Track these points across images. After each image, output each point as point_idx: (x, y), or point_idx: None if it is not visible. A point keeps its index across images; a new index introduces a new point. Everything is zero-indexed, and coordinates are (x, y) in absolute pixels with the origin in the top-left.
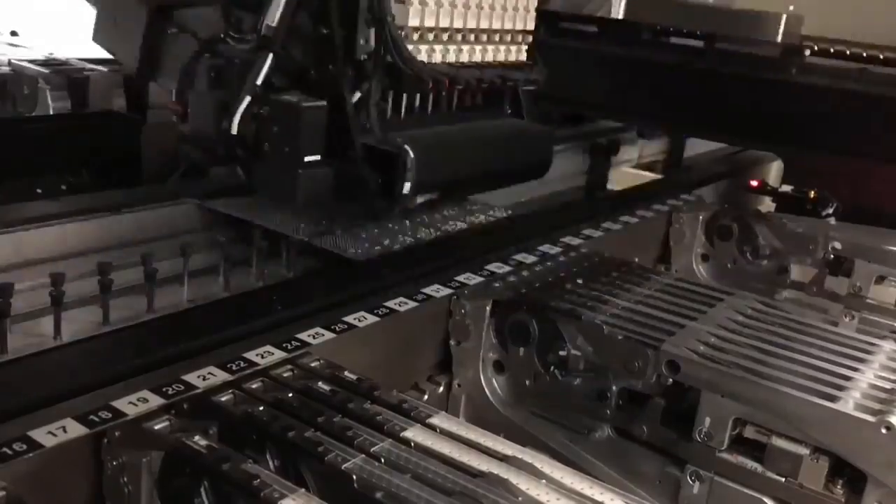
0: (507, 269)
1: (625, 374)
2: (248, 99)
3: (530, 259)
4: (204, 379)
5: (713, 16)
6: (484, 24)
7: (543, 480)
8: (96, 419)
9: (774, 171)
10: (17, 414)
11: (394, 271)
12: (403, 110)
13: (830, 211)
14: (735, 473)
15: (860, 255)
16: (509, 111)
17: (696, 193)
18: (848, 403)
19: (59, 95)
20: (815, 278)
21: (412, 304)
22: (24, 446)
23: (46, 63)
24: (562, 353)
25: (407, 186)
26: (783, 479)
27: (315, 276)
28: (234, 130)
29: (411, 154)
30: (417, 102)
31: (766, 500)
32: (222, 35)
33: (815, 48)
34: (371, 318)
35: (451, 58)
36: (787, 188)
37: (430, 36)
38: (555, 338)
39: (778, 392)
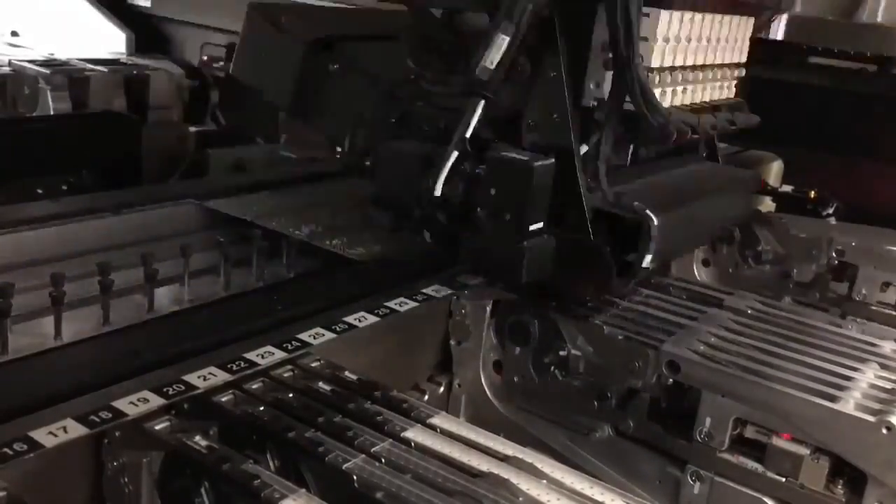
0: None
1: (625, 374)
2: (455, 154)
3: None
4: (204, 379)
5: None
6: (709, 59)
7: (544, 480)
8: (97, 419)
9: (774, 171)
10: (17, 414)
11: (394, 271)
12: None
13: (831, 211)
14: (735, 473)
15: (864, 261)
16: (705, 154)
17: None
18: (848, 403)
19: (59, 96)
20: (818, 284)
21: (412, 304)
22: (25, 446)
23: (47, 63)
24: (562, 353)
25: (648, 259)
26: (784, 480)
27: (315, 276)
28: (438, 192)
29: (655, 221)
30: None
31: (766, 500)
32: (411, 77)
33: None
34: (371, 318)
35: (678, 101)
36: (787, 188)
37: (668, 77)
38: (555, 338)
39: (778, 392)
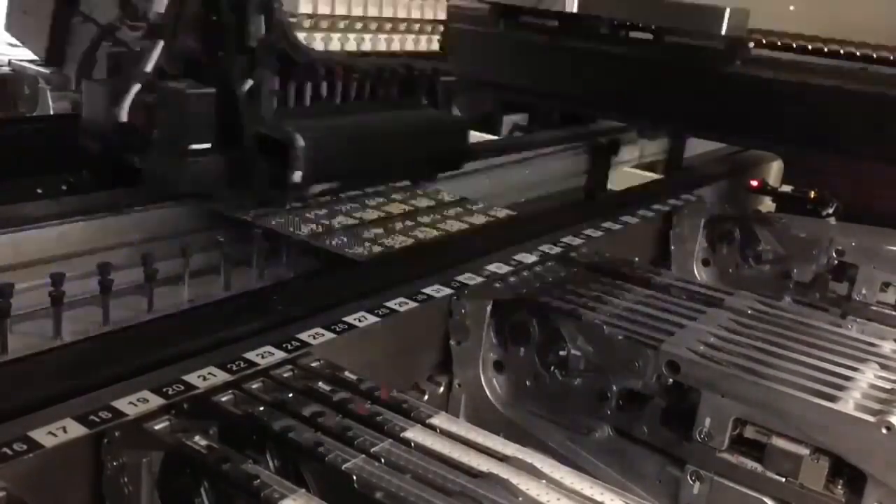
0: (507, 269)
1: (625, 374)
2: (137, 86)
3: (531, 259)
4: (204, 379)
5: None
6: (387, 13)
7: (543, 480)
8: (96, 419)
9: (774, 171)
10: (17, 414)
11: (394, 271)
12: (307, 101)
13: (831, 211)
14: (735, 473)
15: (864, 261)
16: (426, 102)
17: (696, 193)
18: (848, 403)
19: (59, 96)
20: (818, 284)
21: (412, 304)
22: (25, 446)
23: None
24: (562, 353)
25: (297, 175)
26: (783, 480)
27: (315, 276)
28: (124, 118)
29: (300, 142)
30: (325, 93)
31: (766, 500)
32: (119, 23)
33: (825, 49)
34: (371, 318)
35: (352, 47)
36: (787, 188)
37: (325, 24)
38: (555, 338)
39: (778, 392)
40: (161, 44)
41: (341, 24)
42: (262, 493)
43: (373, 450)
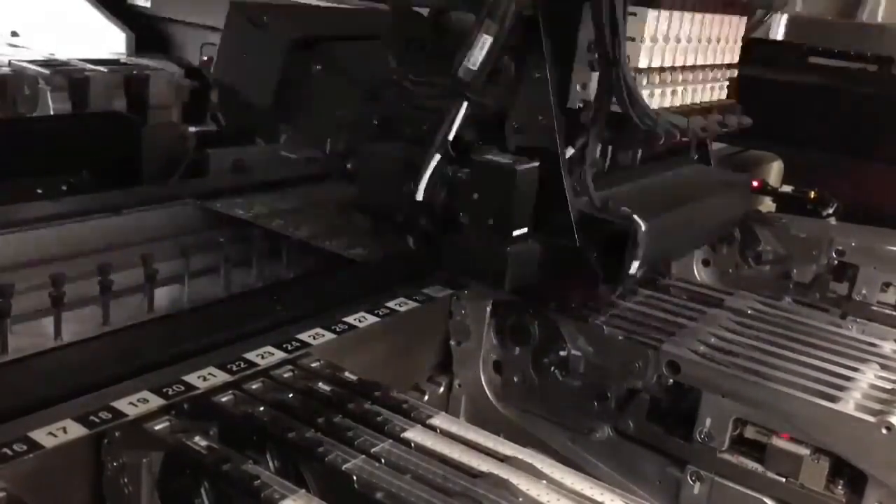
0: None
1: (625, 374)
2: (437, 157)
3: None
4: (204, 379)
5: None
6: (700, 60)
7: (543, 481)
8: (96, 420)
9: (774, 171)
10: (17, 414)
11: (394, 271)
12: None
13: (831, 211)
14: (735, 474)
15: (864, 261)
16: (696, 157)
17: None
18: (848, 403)
19: (59, 96)
20: (818, 284)
21: (412, 304)
22: (25, 447)
23: (47, 63)
24: (562, 353)
25: (636, 266)
26: (784, 480)
27: (315, 276)
28: (420, 196)
29: (643, 226)
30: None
31: (766, 500)
32: (392, 77)
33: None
34: (371, 319)
35: (667, 102)
36: (787, 188)
37: (656, 79)
38: (555, 338)
39: (778, 392)
40: (465, 105)
41: (668, 78)
42: (262, 494)
43: (373, 450)
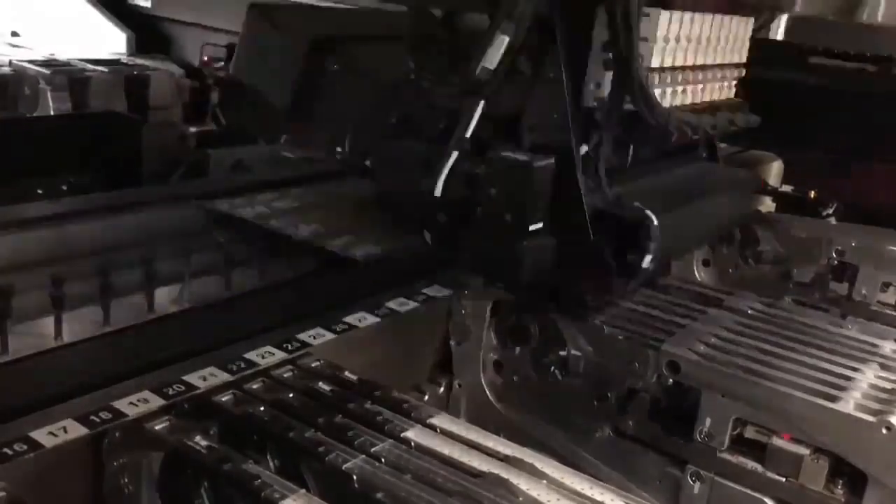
0: None
1: (625, 374)
2: (455, 154)
3: None
4: (204, 379)
5: None
6: (709, 60)
7: (543, 480)
8: (97, 420)
9: (774, 171)
10: (17, 414)
11: (394, 271)
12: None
13: (830, 211)
14: (735, 473)
15: (864, 261)
16: (704, 154)
17: None
18: (848, 403)
19: (59, 96)
20: (818, 284)
21: (412, 304)
22: (25, 446)
23: (47, 63)
24: (562, 353)
25: (648, 260)
26: (784, 480)
27: (315, 276)
28: (439, 192)
29: (655, 221)
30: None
31: (766, 500)
32: (411, 77)
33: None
34: (371, 319)
35: (678, 100)
36: (787, 188)
37: (668, 78)
38: (555, 338)
39: (778, 392)
40: (482, 104)
41: (679, 77)
42: (262, 494)
43: (373, 450)
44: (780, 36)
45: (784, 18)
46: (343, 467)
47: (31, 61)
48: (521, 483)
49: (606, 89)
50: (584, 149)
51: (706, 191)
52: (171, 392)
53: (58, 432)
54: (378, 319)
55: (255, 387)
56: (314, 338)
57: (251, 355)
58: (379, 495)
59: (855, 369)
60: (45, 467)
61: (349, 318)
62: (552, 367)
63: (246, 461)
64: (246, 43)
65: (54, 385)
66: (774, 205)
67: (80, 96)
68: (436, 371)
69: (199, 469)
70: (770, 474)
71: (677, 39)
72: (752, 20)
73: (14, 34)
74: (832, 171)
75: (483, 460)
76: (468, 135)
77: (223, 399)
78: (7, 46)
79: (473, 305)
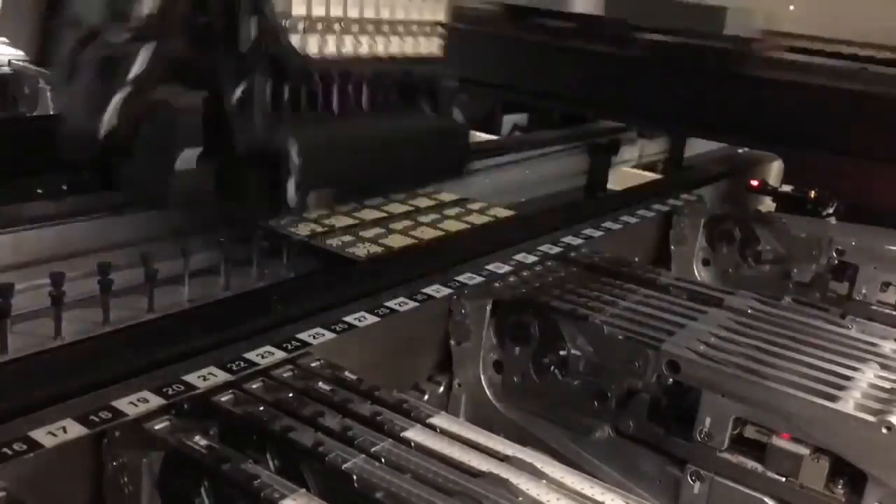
0: (507, 268)
1: (625, 374)
2: (119, 96)
3: (531, 259)
4: (204, 379)
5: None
6: (384, 15)
7: (543, 480)
8: (96, 419)
9: (774, 171)
10: (17, 414)
11: (394, 271)
12: (301, 109)
13: (831, 211)
14: (735, 473)
15: (864, 261)
16: (426, 107)
17: (696, 193)
18: (848, 403)
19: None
20: (818, 284)
21: (412, 304)
22: (24, 446)
23: None
24: (562, 353)
25: (292, 192)
26: (784, 479)
27: (315, 276)
28: (104, 131)
29: (295, 154)
30: (320, 101)
31: (766, 500)
32: (105, 24)
33: (822, 49)
34: (371, 318)
35: (349, 51)
36: (787, 188)
37: (320, 27)
38: (555, 338)
39: (778, 392)
40: (148, 47)
41: (337, 28)
42: (262, 493)
43: (373, 450)
44: (601, 12)
45: None
46: (343, 467)
47: (31, 61)
48: (521, 483)
49: (254, 35)
50: (239, 90)
51: (385, 135)
52: (170, 392)
53: (58, 432)
54: (378, 319)
55: (255, 387)
56: (314, 337)
57: (251, 355)
58: (379, 495)
59: (855, 369)
60: (45, 467)
61: (349, 318)
62: (552, 367)
63: (246, 461)
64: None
65: (54, 385)
66: (774, 205)
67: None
68: (436, 371)
69: (199, 469)
70: (770, 474)
71: None
72: None
73: None
74: (832, 171)
75: (483, 460)
76: (132, 77)
77: (223, 399)
78: (7, 46)
79: (473, 305)
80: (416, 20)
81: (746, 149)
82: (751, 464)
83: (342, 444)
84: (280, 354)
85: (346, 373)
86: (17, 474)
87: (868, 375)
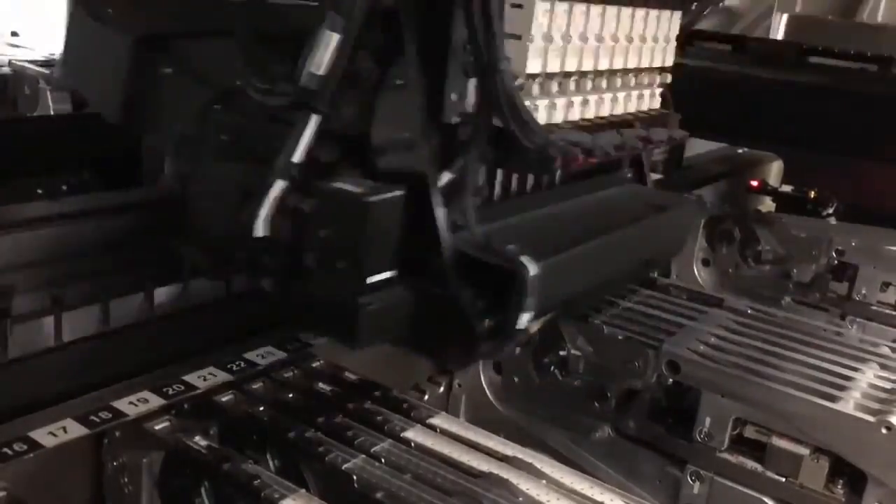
0: None
1: (625, 374)
2: (279, 183)
3: None
4: (204, 379)
5: None
6: (618, 64)
7: (543, 480)
8: (96, 419)
9: (774, 171)
10: (17, 414)
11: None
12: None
13: (831, 211)
14: (735, 473)
15: (864, 261)
16: (629, 174)
17: (696, 193)
18: (848, 403)
19: (59, 96)
20: (818, 284)
21: None
22: (25, 446)
23: (47, 63)
24: (562, 353)
25: (525, 319)
26: (783, 479)
27: None
28: (260, 232)
29: (531, 270)
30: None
31: (766, 500)
32: (242, 83)
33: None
34: None
35: (576, 115)
36: (787, 188)
37: (555, 87)
38: (555, 338)
39: (778, 392)
40: (314, 119)
41: (571, 86)
42: (262, 493)
43: (373, 450)
44: (779, 35)
45: (784, 18)
46: (343, 467)
47: (31, 61)
48: (521, 483)
49: (472, 101)
50: (445, 177)
51: (614, 223)
52: (170, 392)
53: (58, 432)
54: None
55: (255, 387)
56: (314, 337)
57: (251, 355)
58: (379, 495)
59: (855, 369)
60: (45, 467)
61: None
62: (552, 367)
63: (246, 461)
64: (69, 40)
65: (54, 385)
66: (774, 205)
67: (80, 96)
68: (436, 371)
69: (199, 469)
70: (770, 474)
71: (565, 38)
72: (677, 14)
73: (14, 34)
74: (832, 171)
75: (483, 460)
76: (296, 159)
77: (223, 399)
78: (7, 46)
79: None
80: (646, 67)
81: (746, 149)
82: (751, 464)
83: (342, 444)
84: (280, 354)
85: (347, 373)
86: (17, 474)
87: (868, 375)
